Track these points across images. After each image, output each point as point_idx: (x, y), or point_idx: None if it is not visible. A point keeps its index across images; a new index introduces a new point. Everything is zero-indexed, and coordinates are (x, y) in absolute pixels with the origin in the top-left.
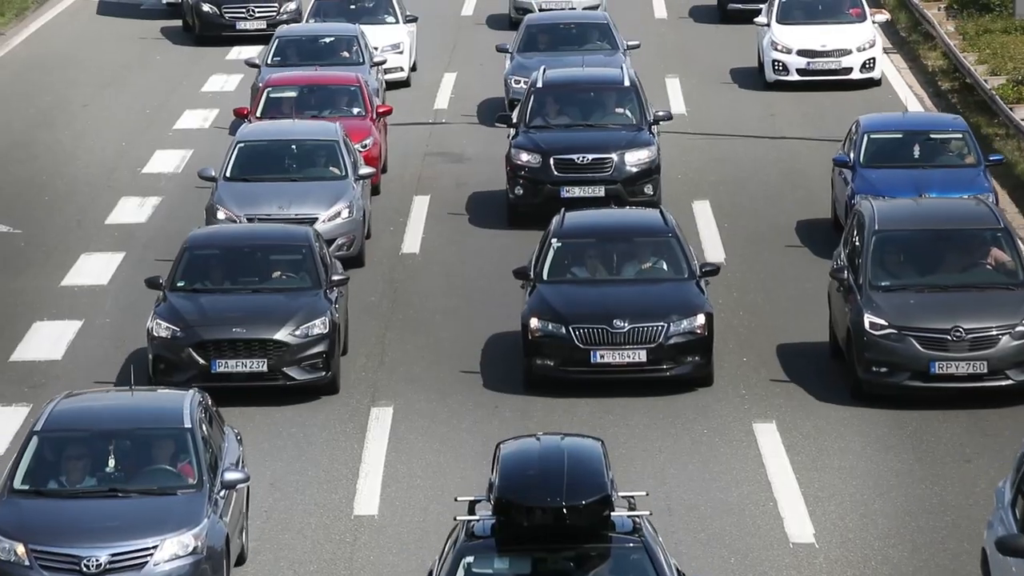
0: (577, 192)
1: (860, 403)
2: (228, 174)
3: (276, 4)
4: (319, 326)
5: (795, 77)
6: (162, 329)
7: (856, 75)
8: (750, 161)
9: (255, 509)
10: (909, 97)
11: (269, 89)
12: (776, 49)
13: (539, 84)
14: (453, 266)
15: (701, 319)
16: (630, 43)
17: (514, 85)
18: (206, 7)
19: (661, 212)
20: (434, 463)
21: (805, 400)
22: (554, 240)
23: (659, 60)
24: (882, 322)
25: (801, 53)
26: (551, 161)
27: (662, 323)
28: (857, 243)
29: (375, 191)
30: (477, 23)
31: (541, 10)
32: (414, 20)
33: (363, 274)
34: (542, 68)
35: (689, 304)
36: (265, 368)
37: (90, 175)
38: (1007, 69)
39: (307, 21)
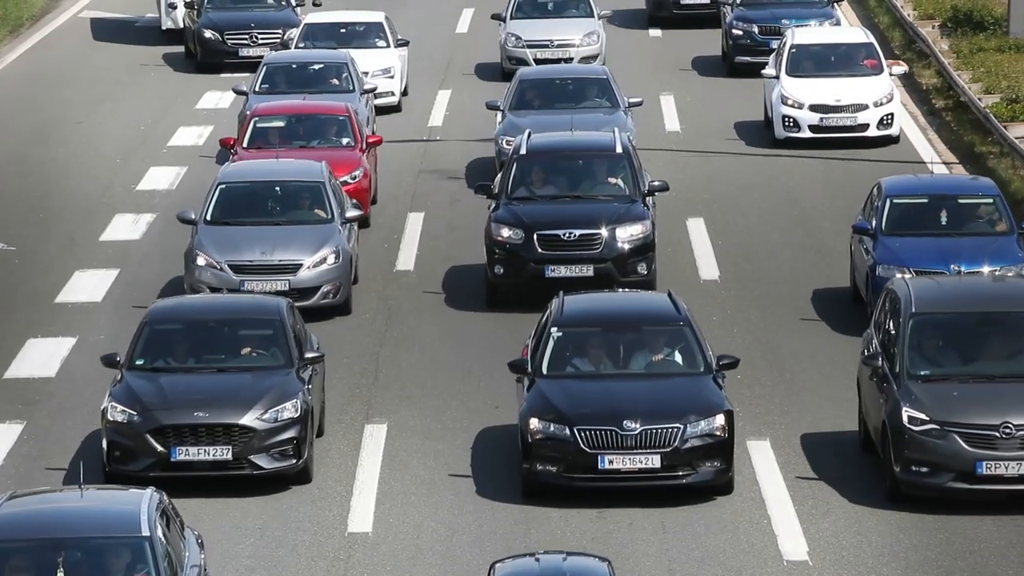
0: (563, 271)
1: (854, 419)
2: (208, 217)
3: (279, 30)
4: (290, 409)
5: (807, 134)
6: (118, 412)
7: (873, 132)
8: (743, 178)
9: (249, 525)
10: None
11: (256, 118)
12: (786, 104)
13: (522, 151)
14: (447, 283)
15: (721, 419)
16: (632, 100)
17: (504, 147)
18: (208, 33)
19: (671, 296)
20: (428, 480)
21: (799, 418)
22: (553, 329)
23: (658, 113)
24: (922, 416)
25: (814, 108)
26: (535, 237)
27: (678, 424)
28: (891, 327)
29: (365, 224)
30: (472, 41)
31: (536, 61)
32: (405, 44)
33: (357, 291)
34: (526, 133)
35: (707, 402)
36: (229, 456)
37: (84, 192)
38: (1001, 87)
39: (296, 45)
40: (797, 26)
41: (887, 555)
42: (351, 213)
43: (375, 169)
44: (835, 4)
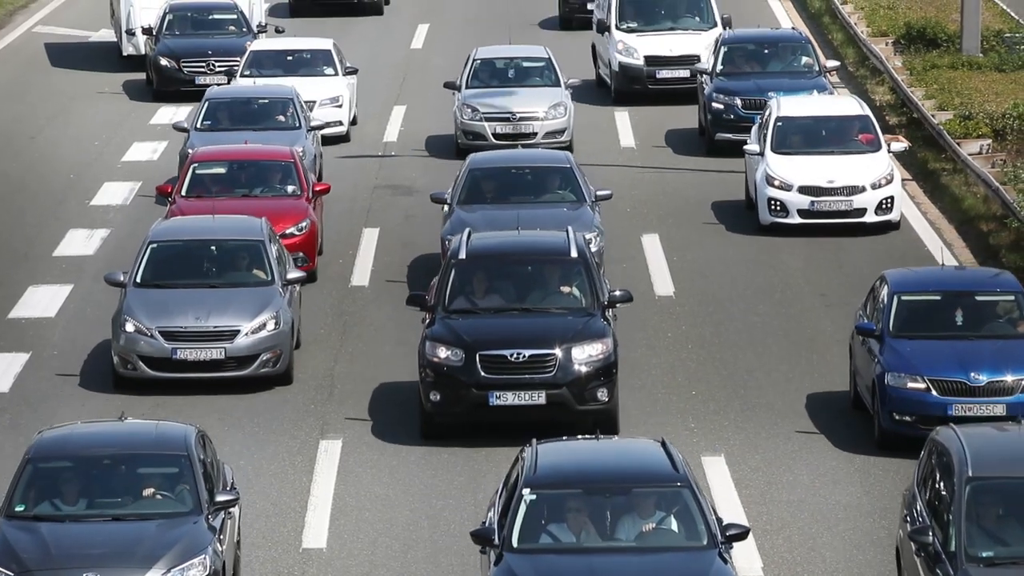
0: (511, 399)
1: (808, 436)
2: (138, 279)
3: (237, 58)
4: (198, 568)
5: (796, 220)
6: None
7: (871, 217)
8: (699, 193)
9: None
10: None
11: (195, 164)
12: (772, 185)
13: (461, 254)
14: (402, 299)
15: None
16: (600, 192)
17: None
18: (164, 61)
19: (665, 447)
20: (383, 496)
21: (754, 434)
22: (526, 491)
23: (613, 129)
24: None
25: (804, 191)
26: (477, 358)
27: None
28: (942, 489)
29: (311, 278)
30: (427, 56)
31: (495, 136)
32: (354, 72)
33: (312, 306)
34: (465, 233)
35: None
36: None
37: (38, 207)
38: (954, 104)
39: (241, 74)
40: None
41: (841, 571)
42: (293, 274)
43: (321, 218)
44: (827, 74)
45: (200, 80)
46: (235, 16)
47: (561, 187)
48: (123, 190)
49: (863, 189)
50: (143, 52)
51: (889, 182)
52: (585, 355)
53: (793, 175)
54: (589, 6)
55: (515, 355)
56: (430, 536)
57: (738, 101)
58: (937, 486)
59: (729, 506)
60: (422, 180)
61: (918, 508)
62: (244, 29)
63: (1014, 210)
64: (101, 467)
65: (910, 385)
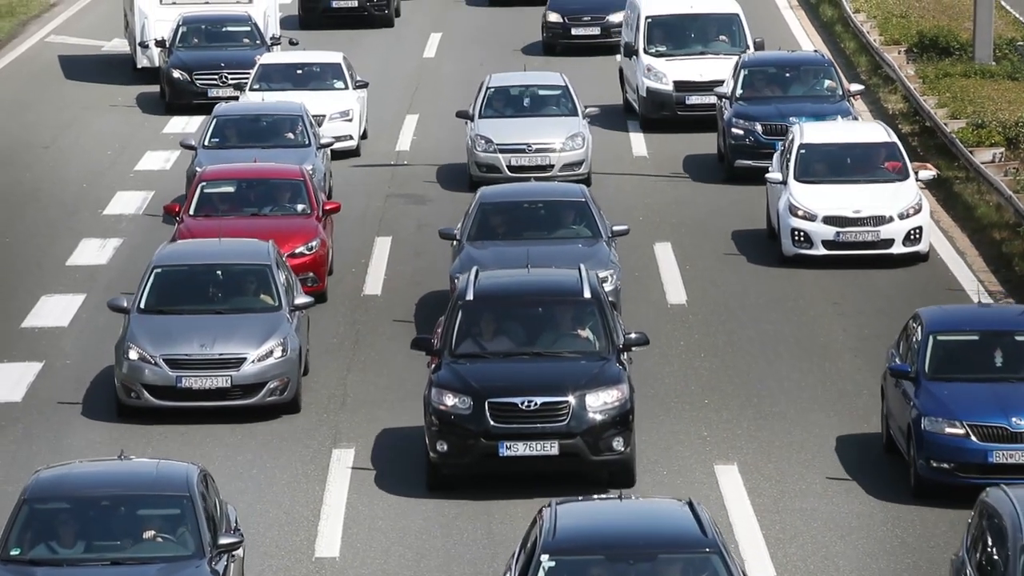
0: (522, 449)
1: (822, 444)
2: (142, 305)
3: (250, 70)
4: None
5: (821, 251)
6: None
7: (899, 248)
8: (711, 203)
9: None
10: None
11: (203, 184)
12: (796, 215)
13: (468, 295)
14: (415, 308)
15: None
16: (617, 228)
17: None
18: (176, 73)
19: (693, 509)
20: (396, 505)
21: (767, 443)
22: (544, 557)
23: (625, 139)
24: None
25: (829, 221)
26: (486, 406)
27: None
28: (994, 554)
29: (322, 299)
30: (439, 65)
31: (510, 169)
32: (364, 86)
33: (324, 315)
34: (473, 271)
35: None
36: None
37: (51, 216)
38: (967, 112)
39: (251, 87)
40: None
41: None
42: (301, 300)
43: (331, 237)
44: (851, 98)
45: (213, 93)
46: (249, 28)
47: (576, 222)
48: (136, 199)
49: (890, 219)
50: (157, 65)
51: (917, 211)
52: (600, 402)
53: (817, 204)
54: (574, 31)
55: (526, 403)
56: (443, 545)
57: (758, 127)
58: (989, 551)
59: (742, 515)
60: (434, 189)
61: (967, 574)
62: (258, 41)
63: None
64: (100, 508)
65: (948, 431)
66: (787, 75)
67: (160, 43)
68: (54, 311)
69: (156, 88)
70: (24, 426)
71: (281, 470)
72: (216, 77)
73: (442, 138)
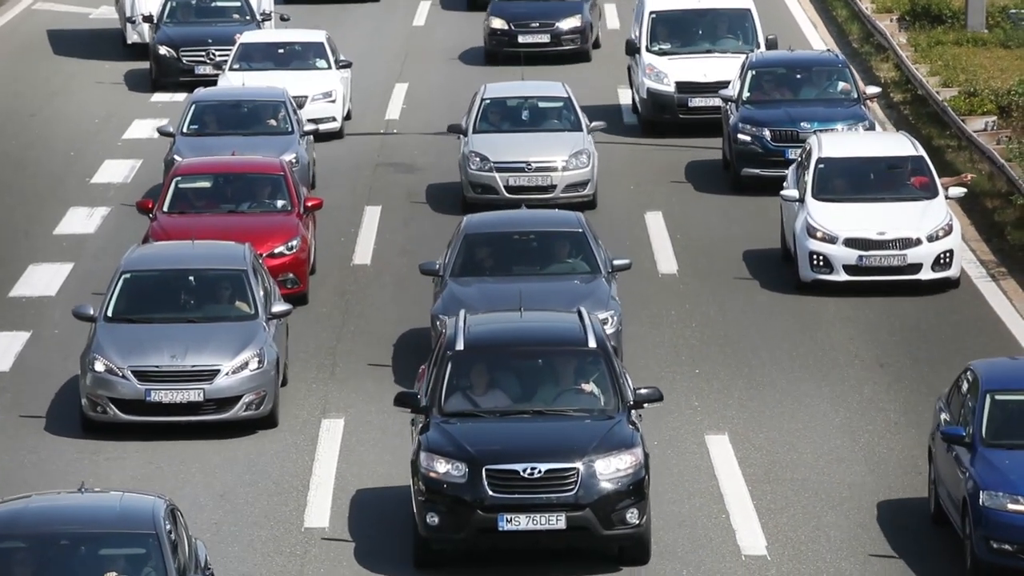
0: (524, 523)
1: (813, 414)
2: (109, 313)
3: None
4: None
5: (842, 276)
6: None
7: (927, 274)
8: (702, 170)
9: (205, 521)
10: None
11: (178, 178)
12: (815, 237)
13: (458, 346)
14: (405, 277)
15: None
16: (617, 262)
17: (442, 329)
18: (163, 50)
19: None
20: (385, 475)
21: (758, 412)
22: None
23: (616, 107)
24: None
25: (851, 243)
26: (483, 474)
27: None
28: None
29: (302, 301)
30: (428, 34)
31: (507, 189)
32: (348, 66)
33: (313, 284)
34: (462, 317)
35: None
36: None
37: (38, 185)
38: (959, 81)
39: (231, 67)
40: (820, 130)
41: (845, 550)
42: (279, 307)
43: (314, 234)
44: (866, 102)
45: (200, 70)
46: (239, 3)
47: (572, 255)
48: (124, 168)
49: (918, 242)
50: (147, 40)
51: (948, 233)
52: (612, 469)
53: (838, 225)
54: (521, 39)
55: (529, 470)
56: None
57: (767, 132)
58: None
59: (733, 485)
60: (424, 158)
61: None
62: (248, 17)
63: (1019, 187)
64: (58, 548)
65: (1011, 507)
66: (798, 76)
67: (148, 18)
68: (42, 280)
69: (146, 64)
70: (12, 395)
71: (270, 441)
72: (203, 54)
73: (431, 107)
